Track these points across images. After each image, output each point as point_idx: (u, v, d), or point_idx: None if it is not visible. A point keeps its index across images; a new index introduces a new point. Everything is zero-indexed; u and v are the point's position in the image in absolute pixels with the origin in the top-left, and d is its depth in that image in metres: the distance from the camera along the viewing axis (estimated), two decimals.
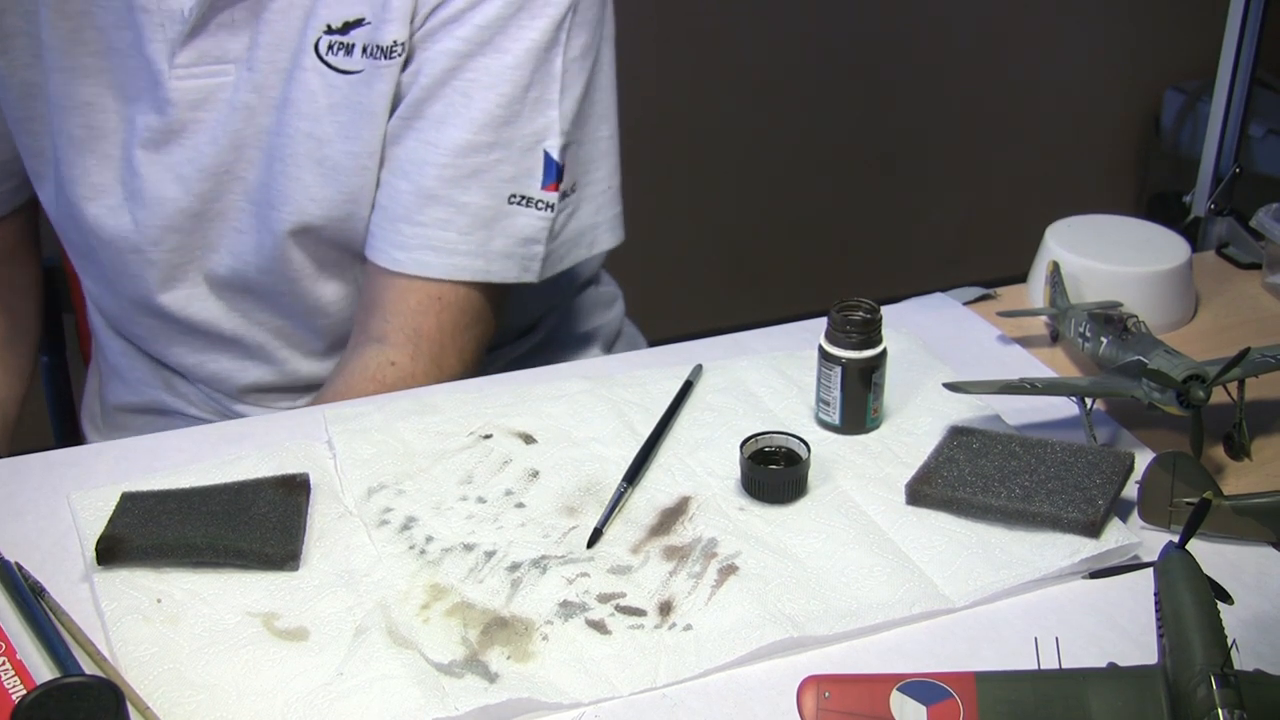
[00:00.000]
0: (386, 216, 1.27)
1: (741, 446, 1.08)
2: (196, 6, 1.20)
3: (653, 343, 1.34)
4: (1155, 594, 0.82)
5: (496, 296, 1.31)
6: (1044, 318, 1.32)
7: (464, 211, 1.26)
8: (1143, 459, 1.06)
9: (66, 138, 1.27)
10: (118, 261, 1.32)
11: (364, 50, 1.23)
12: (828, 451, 1.11)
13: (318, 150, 1.25)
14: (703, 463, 1.11)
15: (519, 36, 1.24)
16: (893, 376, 1.17)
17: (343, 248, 1.31)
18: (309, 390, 1.40)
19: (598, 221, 1.36)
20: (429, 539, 1.02)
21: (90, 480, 1.08)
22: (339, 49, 1.22)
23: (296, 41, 1.23)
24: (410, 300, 1.27)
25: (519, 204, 1.27)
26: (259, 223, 1.29)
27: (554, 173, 1.28)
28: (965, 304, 1.36)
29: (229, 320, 1.36)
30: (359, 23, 1.22)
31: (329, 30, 1.22)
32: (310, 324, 1.36)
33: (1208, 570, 0.82)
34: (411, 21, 1.23)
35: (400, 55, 1.23)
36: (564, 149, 1.28)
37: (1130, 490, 1.05)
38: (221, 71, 1.24)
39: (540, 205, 1.28)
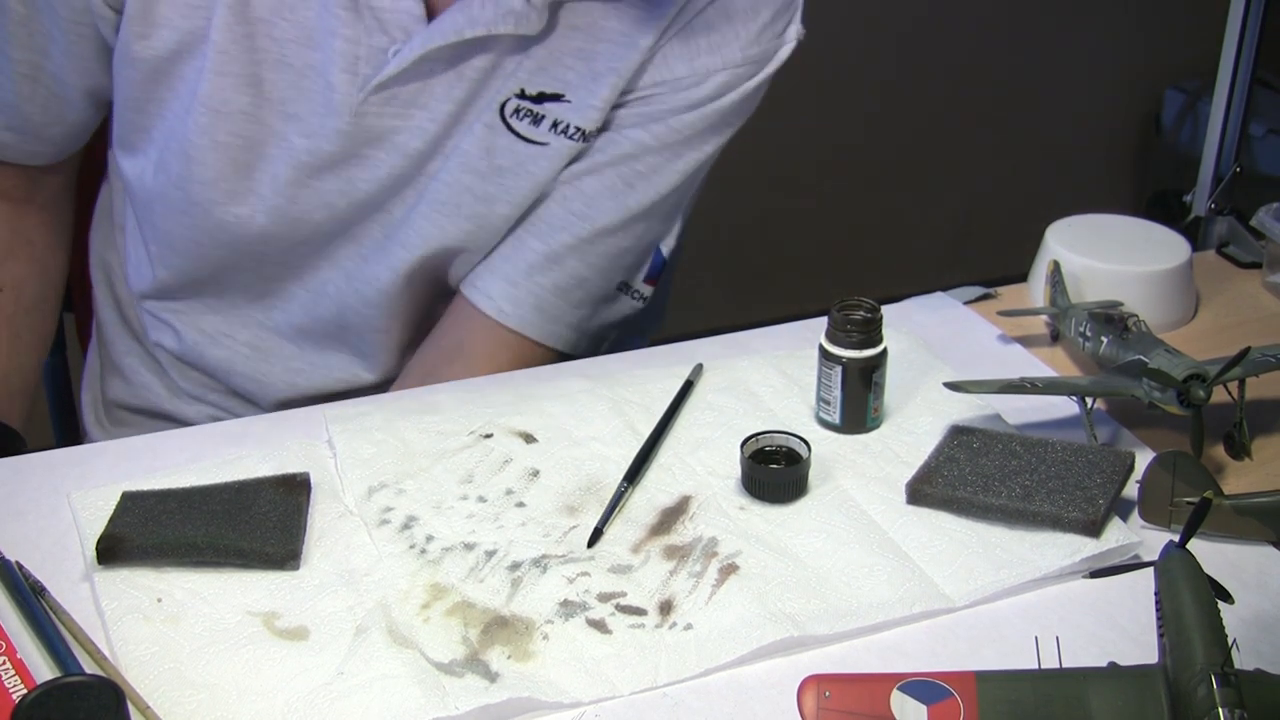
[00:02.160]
0: (506, 266, 1.27)
1: (742, 446, 1.08)
2: (406, 55, 1.17)
3: (653, 342, 1.34)
4: (1155, 593, 0.82)
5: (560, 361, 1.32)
6: (1044, 317, 1.32)
7: (582, 286, 1.28)
8: (1143, 458, 1.06)
9: (209, 139, 1.22)
10: (232, 259, 1.30)
11: (554, 126, 1.22)
12: (828, 451, 1.11)
13: (472, 205, 1.24)
14: (703, 462, 1.11)
15: (699, 148, 1.27)
16: (893, 376, 1.17)
17: (446, 289, 1.32)
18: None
19: (649, 309, 1.41)
20: (429, 538, 1.02)
21: (91, 480, 1.08)
22: (525, 115, 1.21)
23: (485, 98, 1.22)
24: (500, 358, 1.28)
25: (623, 291, 1.31)
26: (382, 253, 1.28)
27: (658, 269, 1.33)
28: (965, 304, 1.36)
29: (311, 332, 1.35)
30: (556, 98, 1.21)
31: (521, 95, 1.21)
32: (376, 361, 1.36)
33: (1208, 569, 0.82)
34: (614, 106, 1.23)
35: (593, 139, 1.24)
36: (672, 249, 1.33)
37: (1131, 490, 1.05)
38: (406, 116, 1.21)
39: (636, 295, 1.33)
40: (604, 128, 1.24)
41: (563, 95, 1.21)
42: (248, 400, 1.40)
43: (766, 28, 1.24)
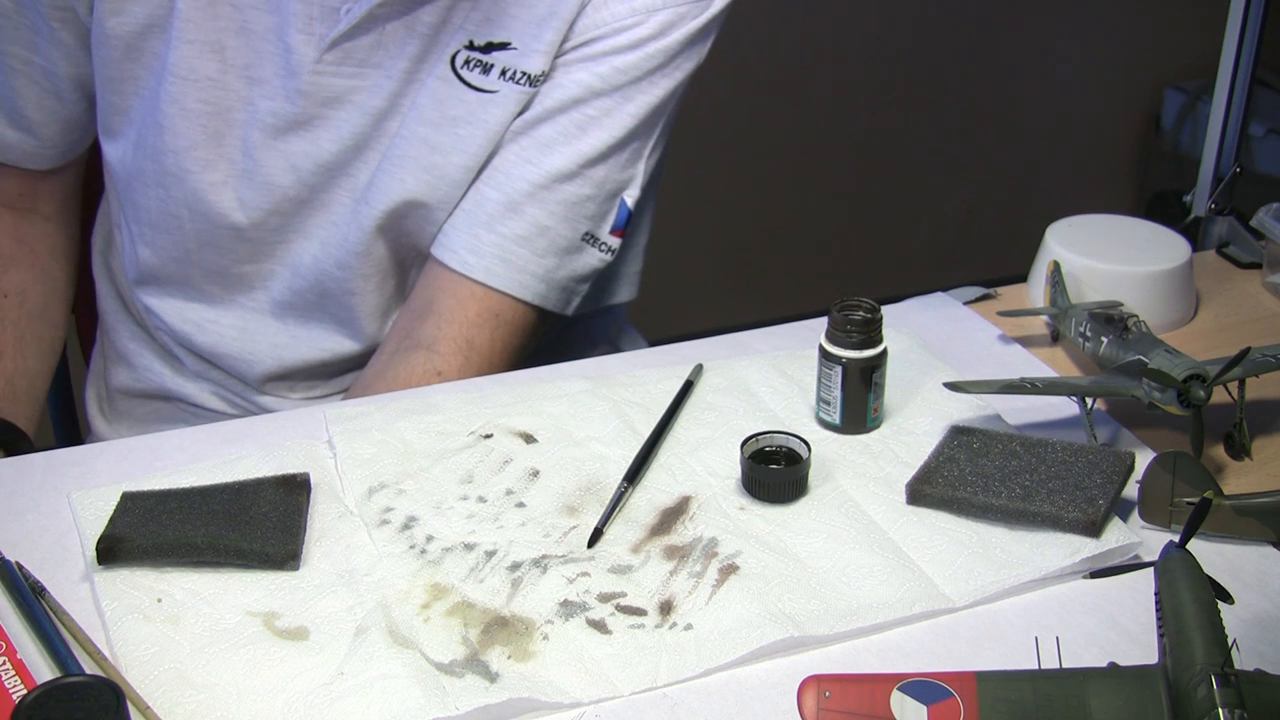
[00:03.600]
0: (467, 220, 1.29)
1: (742, 446, 1.08)
2: (357, 10, 1.20)
3: (653, 343, 1.35)
4: (1155, 593, 0.82)
5: (540, 323, 1.33)
6: (1044, 317, 1.32)
7: (544, 235, 1.29)
8: (1143, 459, 1.06)
9: (180, 108, 1.26)
10: (208, 233, 1.32)
11: (503, 73, 1.25)
12: (828, 451, 1.11)
13: (428, 156, 1.27)
14: (703, 462, 1.11)
15: (647, 90, 1.28)
16: (893, 376, 1.17)
17: (415, 248, 1.33)
18: (324, 380, 1.41)
19: (620, 273, 1.43)
20: (429, 538, 1.02)
21: (91, 480, 1.08)
22: (475, 65, 1.24)
23: (436, 52, 1.25)
24: (469, 310, 1.29)
25: (589, 242, 1.32)
26: (351, 216, 1.30)
27: (624, 221, 1.33)
28: (966, 304, 1.36)
29: (292, 306, 1.36)
30: (504, 46, 1.24)
31: (469, 46, 1.24)
32: (357, 329, 1.37)
33: (1208, 570, 0.82)
34: (556, 54, 1.25)
35: (541, 84, 1.26)
36: (637, 200, 1.33)
37: (1131, 490, 1.05)
38: (362, 75, 1.25)
39: (603, 248, 1.33)
40: (551, 73, 1.26)
41: (509, 43, 1.24)
42: (239, 379, 1.41)
43: None
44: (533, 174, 1.27)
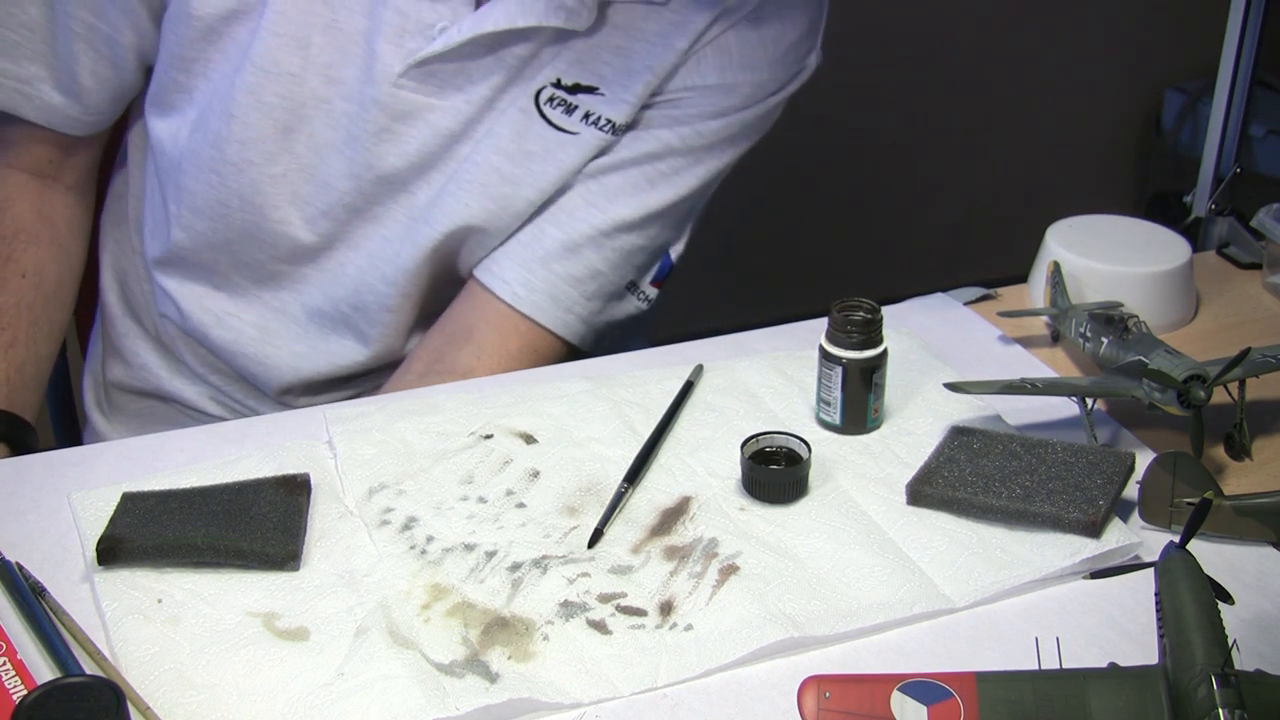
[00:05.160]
0: (523, 253, 1.29)
1: (742, 447, 1.08)
2: (454, 35, 1.20)
3: (653, 343, 1.35)
4: (1156, 594, 0.82)
5: (567, 358, 1.33)
6: (1045, 318, 1.32)
7: (596, 279, 1.30)
8: (1143, 459, 1.06)
9: (255, 100, 1.24)
10: (254, 225, 1.31)
11: (586, 116, 1.25)
12: (828, 451, 1.11)
13: (498, 186, 1.27)
14: (703, 463, 1.11)
15: (718, 155, 1.31)
16: (893, 376, 1.17)
17: (453, 272, 1.33)
18: (328, 392, 1.41)
19: (644, 319, 1.44)
20: (430, 539, 1.02)
21: (91, 480, 1.08)
22: (559, 105, 1.24)
23: (520, 85, 1.25)
24: (511, 343, 1.30)
25: (630, 291, 1.34)
26: (407, 233, 1.30)
27: (665, 273, 1.35)
28: (966, 304, 1.36)
29: (321, 313, 1.35)
30: (591, 90, 1.24)
31: (556, 84, 1.24)
32: (375, 344, 1.37)
33: (1208, 570, 0.82)
34: (643, 106, 1.27)
35: (623, 134, 1.27)
36: (680, 254, 1.36)
37: (1131, 490, 1.05)
38: (441, 95, 1.24)
39: (642, 298, 1.36)
40: (632, 125, 1.27)
41: (597, 88, 1.25)
42: (250, 384, 1.40)
43: (793, 48, 1.30)
44: (597, 219, 1.28)
